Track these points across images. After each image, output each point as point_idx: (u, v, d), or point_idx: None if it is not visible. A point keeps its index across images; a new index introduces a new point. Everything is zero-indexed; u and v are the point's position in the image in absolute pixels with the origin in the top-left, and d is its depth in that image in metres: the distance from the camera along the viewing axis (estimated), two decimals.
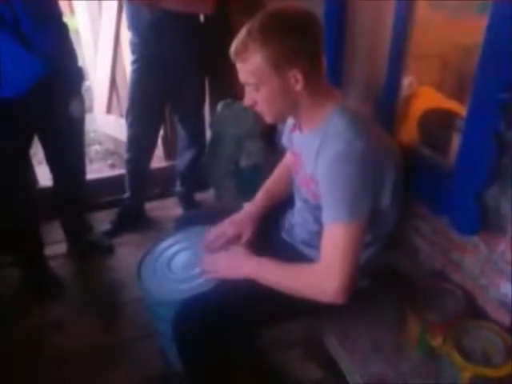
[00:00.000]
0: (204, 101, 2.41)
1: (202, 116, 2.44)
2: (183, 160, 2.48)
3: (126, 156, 2.36)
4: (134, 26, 2.06)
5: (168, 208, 2.62)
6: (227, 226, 1.40)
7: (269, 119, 1.16)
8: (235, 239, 1.38)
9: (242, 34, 1.06)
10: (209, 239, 1.40)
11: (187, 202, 2.57)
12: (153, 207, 2.62)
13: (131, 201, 2.43)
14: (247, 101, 1.13)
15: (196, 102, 2.32)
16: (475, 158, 1.07)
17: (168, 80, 2.12)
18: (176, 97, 2.24)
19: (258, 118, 2.27)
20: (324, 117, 1.11)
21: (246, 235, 1.39)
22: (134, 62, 2.15)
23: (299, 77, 1.04)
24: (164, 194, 2.71)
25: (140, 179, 2.41)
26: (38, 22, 1.60)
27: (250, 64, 1.05)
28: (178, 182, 2.58)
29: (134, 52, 2.13)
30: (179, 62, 2.11)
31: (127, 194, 2.43)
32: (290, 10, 1.07)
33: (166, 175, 2.68)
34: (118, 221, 2.44)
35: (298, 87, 1.06)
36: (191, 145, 2.42)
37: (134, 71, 2.15)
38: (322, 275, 1.08)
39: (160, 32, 2.00)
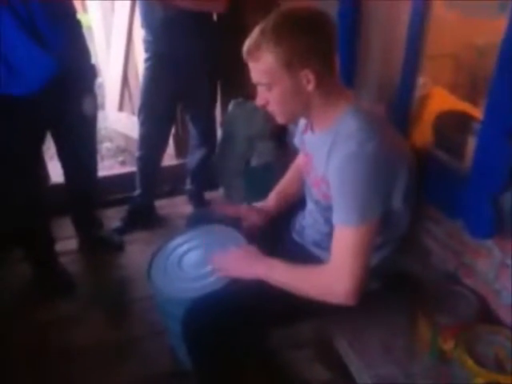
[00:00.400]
0: (216, 100, 2.41)
1: (214, 115, 2.44)
2: (194, 158, 2.48)
3: (137, 154, 2.37)
4: (148, 23, 2.06)
5: (178, 206, 2.63)
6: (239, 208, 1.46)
7: (280, 120, 1.15)
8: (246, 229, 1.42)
9: (255, 33, 1.05)
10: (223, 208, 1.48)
11: (197, 200, 2.58)
12: (163, 205, 2.62)
13: (142, 198, 2.44)
14: (259, 101, 1.13)
15: (207, 101, 2.32)
16: (491, 161, 1.06)
17: (180, 79, 2.12)
18: (188, 96, 2.24)
19: (269, 117, 2.26)
20: (336, 117, 1.11)
21: (251, 221, 1.42)
22: (146, 60, 2.15)
23: (311, 77, 1.04)
24: (174, 191, 2.72)
25: (151, 177, 2.42)
26: (53, 20, 1.61)
27: (263, 63, 1.05)
28: (188, 180, 2.58)
29: (147, 50, 2.14)
30: (191, 61, 2.11)
31: (138, 192, 2.43)
32: (303, 10, 1.06)
33: (177, 173, 2.68)
34: (129, 218, 2.45)
35: (310, 87, 1.05)
36: (202, 143, 2.42)
37: (147, 69, 2.16)
38: (332, 277, 1.08)
39: (173, 30, 2.00)
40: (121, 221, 2.44)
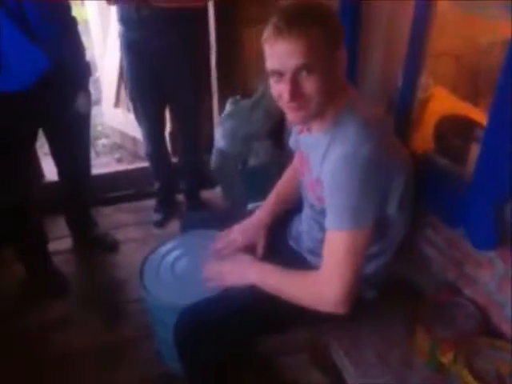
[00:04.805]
0: (202, 99, 2.34)
1: (199, 115, 2.35)
2: (181, 158, 2.49)
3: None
4: (124, 21, 2.00)
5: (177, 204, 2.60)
6: (238, 235, 1.37)
7: (303, 115, 1.04)
8: (245, 248, 1.35)
9: (293, 7, 0.98)
10: (217, 247, 1.36)
11: (192, 199, 2.55)
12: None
13: (162, 192, 2.48)
14: (291, 92, 0.98)
15: (191, 99, 2.23)
16: (495, 169, 1.03)
17: (158, 68, 2.06)
18: (170, 91, 2.18)
19: (266, 116, 2.24)
20: (334, 117, 1.06)
21: (260, 244, 1.37)
22: (122, 49, 2.10)
23: (344, 56, 1.03)
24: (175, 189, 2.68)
25: (165, 170, 2.44)
26: (46, 17, 1.59)
27: (309, 39, 0.94)
28: (182, 180, 2.55)
29: (121, 42, 2.08)
30: (168, 56, 2.04)
31: (157, 186, 2.47)
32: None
33: (175, 171, 2.63)
34: (163, 209, 2.48)
35: (343, 68, 1.04)
36: (187, 144, 2.38)
37: (125, 55, 2.10)
38: (323, 284, 1.05)
39: (149, 28, 1.95)
40: (157, 213, 2.46)
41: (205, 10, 2.14)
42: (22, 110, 1.65)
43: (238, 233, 1.37)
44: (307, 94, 0.99)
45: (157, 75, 2.08)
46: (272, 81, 1.03)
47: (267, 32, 0.98)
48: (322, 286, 1.05)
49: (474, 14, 1.64)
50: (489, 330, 1.14)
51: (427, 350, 1.13)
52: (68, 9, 1.72)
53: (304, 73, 0.97)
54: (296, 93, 0.99)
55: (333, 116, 1.07)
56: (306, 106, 1.02)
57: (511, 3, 1.08)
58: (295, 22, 0.94)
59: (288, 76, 0.98)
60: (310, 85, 0.98)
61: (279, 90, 1.01)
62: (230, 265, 1.25)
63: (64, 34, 1.69)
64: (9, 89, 1.58)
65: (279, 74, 0.99)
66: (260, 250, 1.36)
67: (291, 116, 1.06)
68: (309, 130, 1.17)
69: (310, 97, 1.00)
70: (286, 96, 0.99)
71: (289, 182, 1.46)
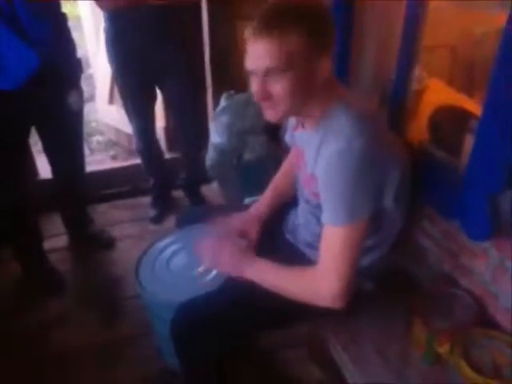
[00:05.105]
0: (196, 100, 2.32)
1: (197, 110, 2.34)
2: (182, 153, 2.49)
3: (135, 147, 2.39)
4: (111, 17, 1.99)
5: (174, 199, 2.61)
6: (233, 220, 1.38)
7: (275, 115, 1.06)
8: (238, 234, 1.36)
9: (275, 8, 0.97)
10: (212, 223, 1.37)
11: (192, 194, 2.55)
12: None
13: (157, 188, 2.48)
14: (259, 93, 1.00)
15: (189, 93, 2.23)
16: (489, 159, 1.02)
17: (148, 67, 2.05)
18: (167, 89, 2.18)
19: (261, 110, 2.22)
20: (327, 113, 1.06)
21: (251, 234, 1.37)
22: (108, 45, 2.07)
23: (327, 62, 0.99)
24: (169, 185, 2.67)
25: (158, 166, 2.43)
26: (36, 14, 1.57)
27: (285, 42, 0.94)
28: (182, 175, 2.55)
29: (107, 37, 2.06)
30: (160, 53, 2.02)
31: (152, 182, 2.47)
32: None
33: (170, 167, 2.62)
34: (158, 205, 2.48)
35: (325, 74, 1.00)
36: (185, 138, 2.38)
37: (108, 44, 2.07)
38: (319, 279, 1.05)
39: (141, 27, 1.93)
40: (153, 209, 2.46)
41: (198, 4, 2.12)
42: (14, 109, 1.64)
43: (233, 218, 1.39)
44: (276, 96, 1.00)
45: (147, 70, 2.06)
46: (250, 79, 1.03)
47: (246, 31, 0.98)
48: (319, 281, 1.05)
49: (466, 5, 1.64)
50: (485, 320, 1.14)
51: (424, 342, 1.13)
52: (58, 5, 1.70)
53: (274, 75, 0.97)
54: (265, 94, 1.00)
55: (325, 112, 1.06)
56: (276, 107, 1.03)
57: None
58: (272, 24, 0.94)
59: (258, 77, 0.99)
60: (278, 87, 0.99)
61: (252, 88, 1.02)
62: (229, 253, 1.22)
63: (54, 31, 1.68)
64: (1, 88, 1.56)
65: (253, 74, 1.01)
66: (250, 239, 1.36)
67: (265, 114, 1.08)
68: (303, 126, 1.17)
69: (279, 99, 1.00)
70: (255, 96, 1.02)
71: (285, 175, 1.46)
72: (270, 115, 1.06)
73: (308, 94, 1.02)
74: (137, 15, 1.90)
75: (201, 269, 1.28)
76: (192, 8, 2.07)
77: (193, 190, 2.55)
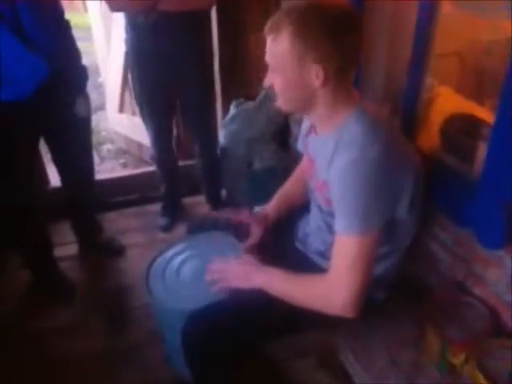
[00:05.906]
0: (213, 103, 2.35)
1: (211, 118, 2.37)
2: (198, 163, 2.46)
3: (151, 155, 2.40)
4: (131, 27, 2.01)
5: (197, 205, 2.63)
6: (239, 214, 1.42)
7: (280, 105, 1.11)
8: (250, 249, 1.34)
9: (282, 12, 1.00)
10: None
11: (215, 201, 2.54)
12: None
13: (168, 196, 2.48)
14: (266, 81, 1.09)
15: (202, 102, 2.23)
16: (503, 167, 1.01)
17: (166, 72, 2.07)
18: (179, 93, 2.18)
19: (270, 118, 2.23)
20: (340, 120, 1.06)
21: (254, 236, 1.37)
22: (129, 55, 2.11)
23: (320, 74, 0.99)
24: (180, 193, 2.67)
25: (172, 174, 2.44)
26: (40, 22, 1.56)
27: (278, 45, 1.00)
28: (202, 183, 2.55)
29: (129, 46, 2.09)
30: (177, 58, 2.04)
31: (163, 189, 2.46)
32: (335, 7, 0.99)
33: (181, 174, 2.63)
34: (169, 213, 2.48)
35: (317, 84, 1.00)
36: (201, 148, 2.37)
37: (132, 60, 2.11)
38: (331, 287, 1.04)
39: (157, 33, 1.95)
40: (163, 217, 2.46)
41: (209, 13, 2.14)
42: (23, 120, 1.63)
43: (241, 213, 1.42)
44: (275, 89, 1.08)
45: (165, 78, 2.08)
46: None
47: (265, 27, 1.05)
48: (330, 290, 1.04)
49: (474, 14, 1.64)
50: (499, 330, 1.12)
51: (438, 352, 1.12)
52: (61, 13, 1.70)
53: (271, 71, 1.06)
54: (268, 84, 1.09)
55: (338, 119, 1.06)
56: (277, 97, 1.10)
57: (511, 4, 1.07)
58: (274, 26, 1.00)
59: (268, 67, 1.07)
60: (275, 83, 1.06)
61: None
62: (236, 267, 1.23)
63: (59, 39, 1.67)
64: (8, 98, 1.54)
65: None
66: (251, 240, 1.37)
67: (276, 102, 1.12)
68: (315, 132, 1.17)
69: (277, 92, 1.08)
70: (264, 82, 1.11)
71: (296, 181, 1.46)
72: (278, 103, 1.12)
73: (304, 97, 1.05)
74: (152, 24, 1.92)
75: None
76: (202, 16, 2.09)
77: (215, 196, 2.54)
